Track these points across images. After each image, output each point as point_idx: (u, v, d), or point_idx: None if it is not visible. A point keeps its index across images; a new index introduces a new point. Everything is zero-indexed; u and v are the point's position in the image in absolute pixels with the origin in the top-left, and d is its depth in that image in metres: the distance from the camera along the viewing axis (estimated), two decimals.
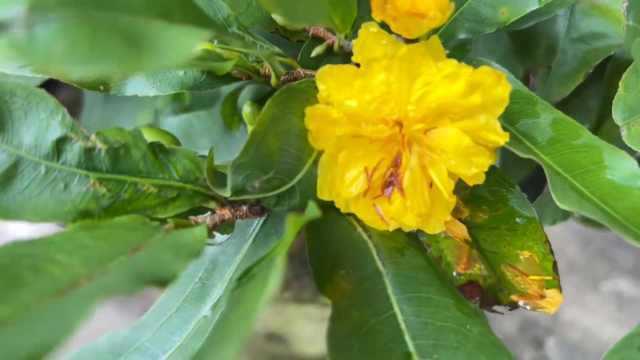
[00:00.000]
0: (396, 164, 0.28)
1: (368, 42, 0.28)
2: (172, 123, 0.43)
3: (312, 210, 0.23)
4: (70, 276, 0.20)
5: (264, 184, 0.26)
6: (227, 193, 0.26)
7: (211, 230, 0.28)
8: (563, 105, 0.41)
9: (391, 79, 0.27)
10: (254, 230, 0.35)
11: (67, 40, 0.16)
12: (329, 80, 0.27)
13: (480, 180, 0.29)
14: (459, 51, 0.45)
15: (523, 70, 0.43)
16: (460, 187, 0.33)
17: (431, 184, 0.29)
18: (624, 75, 0.34)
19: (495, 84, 0.27)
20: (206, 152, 0.29)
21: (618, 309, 1.12)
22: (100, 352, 0.38)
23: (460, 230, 0.31)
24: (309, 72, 0.30)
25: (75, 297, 0.18)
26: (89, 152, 0.25)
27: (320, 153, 0.28)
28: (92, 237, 0.22)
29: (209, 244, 0.29)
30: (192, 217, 0.27)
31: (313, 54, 0.34)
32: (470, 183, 0.29)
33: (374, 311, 0.26)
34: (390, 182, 0.28)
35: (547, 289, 0.30)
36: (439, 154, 0.28)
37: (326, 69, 0.27)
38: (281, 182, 0.27)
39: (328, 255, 0.27)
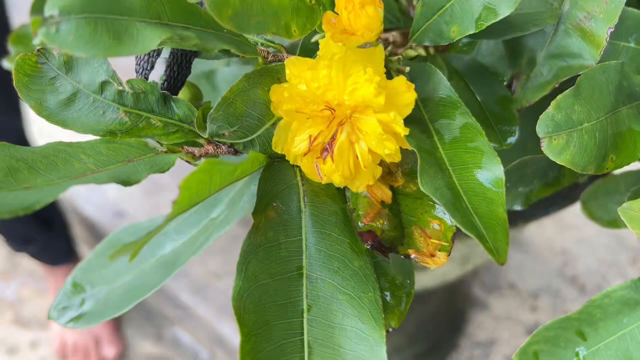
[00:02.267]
0: (333, 137, 0.38)
1: (330, 42, 0.38)
2: (225, 71, 0.56)
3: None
4: (83, 169, 0.34)
5: (232, 133, 0.38)
6: (205, 134, 0.38)
7: (198, 158, 0.40)
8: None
9: (332, 74, 0.36)
10: None
11: (76, 34, 0.28)
12: (292, 67, 0.38)
13: (396, 159, 0.38)
14: (467, 48, 0.53)
15: (511, 74, 0.50)
16: (404, 162, 0.43)
17: (357, 156, 0.39)
18: (559, 97, 0.40)
19: (405, 90, 0.36)
20: None
21: None
22: (141, 229, 0.53)
23: (381, 194, 0.40)
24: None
25: (77, 181, 0.32)
26: (120, 92, 0.38)
27: (279, 119, 0.39)
28: (107, 148, 0.36)
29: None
30: (185, 147, 0.39)
31: (312, 40, 0.44)
32: (388, 160, 0.39)
33: (286, 234, 0.37)
34: (326, 148, 0.38)
35: (439, 251, 0.40)
36: (364, 134, 0.38)
37: (292, 59, 0.38)
38: (244, 135, 0.38)
39: (270, 191, 0.39)
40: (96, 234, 1.47)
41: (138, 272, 0.51)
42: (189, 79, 0.51)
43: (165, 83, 0.40)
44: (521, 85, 0.48)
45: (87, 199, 1.48)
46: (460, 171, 0.36)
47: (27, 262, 1.49)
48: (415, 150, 0.35)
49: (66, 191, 0.30)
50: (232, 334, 1.27)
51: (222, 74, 0.55)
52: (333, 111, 0.37)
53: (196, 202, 0.32)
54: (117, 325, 1.42)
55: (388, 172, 0.42)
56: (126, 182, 0.32)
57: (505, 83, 0.51)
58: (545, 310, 1.41)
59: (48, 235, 1.31)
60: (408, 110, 0.36)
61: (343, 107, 0.37)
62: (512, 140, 0.48)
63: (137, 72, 0.41)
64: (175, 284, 1.34)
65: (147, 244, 0.31)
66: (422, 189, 0.34)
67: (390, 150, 0.37)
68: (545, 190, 0.52)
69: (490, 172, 0.35)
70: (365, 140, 0.38)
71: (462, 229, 0.32)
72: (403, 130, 0.36)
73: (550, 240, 1.50)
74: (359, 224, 0.39)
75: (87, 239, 1.52)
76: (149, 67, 0.40)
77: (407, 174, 0.43)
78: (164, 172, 0.35)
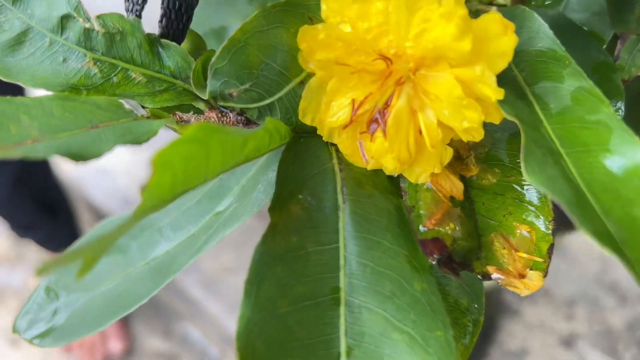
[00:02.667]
0: (387, 102, 0.27)
1: None
2: None
3: None
4: (21, 136, 0.23)
5: (242, 94, 0.26)
6: (205, 95, 0.26)
7: None
8: None
9: (390, 8, 0.25)
10: None
11: None
12: (331, 1, 0.26)
13: (477, 137, 0.27)
14: (552, 2, 0.41)
15: (613, 34, 0.38)
16: (479, 144, 0.31)
17: (421, 131, 0.27)
18: None
19: (500, 33, 0.24)
20: None
21: None
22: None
23: (451, 187, 0.29)
24: None
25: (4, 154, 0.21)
26: (88, 32, 0.27)
27: (310, 75, 0.27)
28: (62, 107, 0.25)
29: None
30: (178, 113, 0.28)
31: None
32: (465, 138, 0.27)
33: (317, 241, 0.25)
34: (376, 119, 0.27)
35: (531, 269, 0.28)
36: (433, 100, 0.26)
37: None
38: (259, 96, 0.27)
39: (295, 177, 0.27)
40: None
41: (123, 278, 0.40)
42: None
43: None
44: (628, 48, 0.36)
45: (96, 186, 1.40)
46: (578, 155, 0.24)
47: (33, 251, 1.43)
48: (517, 121, 0.24)
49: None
50: None
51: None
52: (390, 63, 0.26)
53: (182, 191, 0.21)
54: (125, 319, 1.34)
55: (457, 157, 0.31)
56: (79, 156, 0.21)
57: (604, 46, 0.39)
58: (582, 320, 1.30)
59: (52, 223, 1.26)
60: (504, 63, 0.25)
61: (404, 58, 0.26)
62: None
63: (127, 10, 0.30)
64: (185, 279, 1.27)
65: (106, 251, 0.20)
66: (527, 178, 0.22)
67: (471, 123, 0.26)
68: None
69: (625, 158, 0.23)
70: (435, 107, 0.26)
71: (596, 242, 0.21)
72: (495, 93, 0.24)
73: (587, 244, 1.38)
74: (420, 227, 0.27)
75: None
76: (139, 1, 0.29)
77: (482, 161, 0.31)
78: (140, 143, 0.24)
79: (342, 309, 0.24)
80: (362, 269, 0.25)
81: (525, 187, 0.30)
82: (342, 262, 0.25)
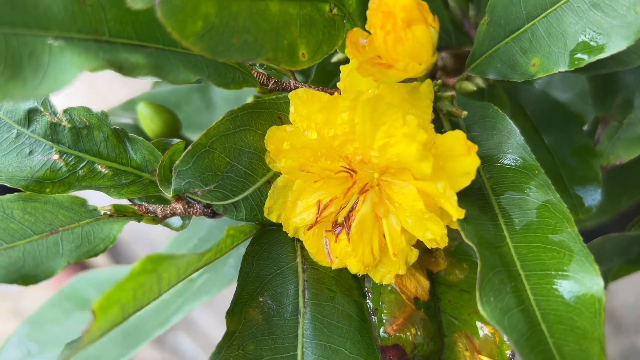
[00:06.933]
0: (351, 208, 0.27)
1: (355, 74, 0.26)
2: None
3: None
4: None
5: (207, 193, 0.26)
6: (169, 192, 0.26)
7: (162, 219, 0.29)
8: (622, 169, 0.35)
9: (355, 120, 0.25)
10: None
11: None
12: (299, 105, 0.26)
13: (442, 244, 0.26)
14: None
15: (595, 116, 0.37)
16: (449, 237, 0.31)
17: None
18: None
19: (464, 153, 0.24)
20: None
21: None
22: (101, 279, 0.42)
23: (416, 287, 0.29)
24: (302, 85, 0.29)
25: None
26: (54, 126, 0.26)
27: (277, 174, 0.27)
28: (23, 209, 0.25)
29: (168, 226, 0.30)
30: (144, 205, 0.28)
31: (334, 60, 0.32)
32: (429, 246, 0.27)
33: (274, 348, 0.25)
34: (341, 222, 0.27)
35: None
36: (397, 207, 0.26)
37: (299, 92, 0.26)
38: (224, 196, 0.27)
39: (257, 277, 0.27)
40: None
41: None
42: (175, 90, 0.40)
43: None
44: (609, 134, 0.36)
45: None
46: (537, 280, 0.24)
47: None
48: (474, 246, 0.23)
49: None
50: None
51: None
52: (353, 173, 0.26)
53: (134, 311, 0.21)
54: None
55: (425, 250, 0.30)
56: (28, 278, 0.21)
57: (585, 127, 0.39)
58: None
59: None
60: (465, 182, 0.25)
61: (369, 166, 0.26)
62: (592, 204, 0.36)
63: None
64: None
65: None
66: (482, 310, 0.22)
67: (433, 235, 0.26)
68: (627, 268, 0.40)
69: (582, 286, 0.23)
70: (399, 215, 0.26)
71: None
72: (456, 212, 0.24)
73: None
74: (382, 333, 0.27)
75: None
76: None
77: (452, 255, 0.31)
78: (96, 254, 0.24)
79: None
80: None
81: None
82: None
